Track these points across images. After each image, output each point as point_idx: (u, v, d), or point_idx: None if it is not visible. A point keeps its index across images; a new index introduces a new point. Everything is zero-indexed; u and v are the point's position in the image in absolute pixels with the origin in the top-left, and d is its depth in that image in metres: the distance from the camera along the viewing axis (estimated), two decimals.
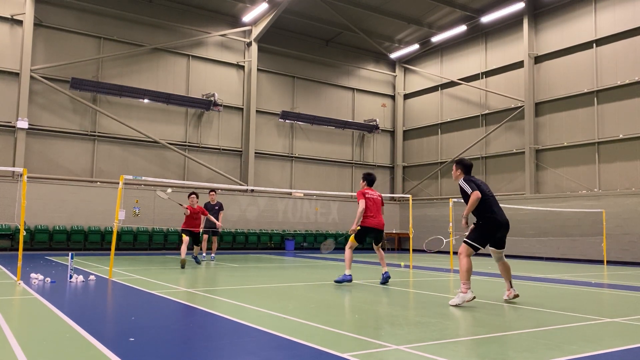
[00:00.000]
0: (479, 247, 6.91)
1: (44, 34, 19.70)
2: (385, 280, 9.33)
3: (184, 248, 12.30)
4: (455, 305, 6.63)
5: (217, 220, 14.12)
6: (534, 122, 22.18)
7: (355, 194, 10.11)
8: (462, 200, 7.13)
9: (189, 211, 12.72)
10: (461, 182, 7.04)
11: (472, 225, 7.06)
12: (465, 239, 6.94)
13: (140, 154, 21.39)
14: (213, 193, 15.28)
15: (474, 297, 6.73)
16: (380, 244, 9.61)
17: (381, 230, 9.47)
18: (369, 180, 9.67)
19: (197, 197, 13.10)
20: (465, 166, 7.25)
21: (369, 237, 9.45)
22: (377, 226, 9.34)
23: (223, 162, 23.31)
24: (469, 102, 25.31)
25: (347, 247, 9.37)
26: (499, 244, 7.11)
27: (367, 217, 9.28)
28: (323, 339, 4.65)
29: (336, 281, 9.14)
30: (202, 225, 13.84)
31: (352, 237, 9.33)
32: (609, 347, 4.55)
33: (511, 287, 7.26)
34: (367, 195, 9.34)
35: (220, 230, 15.33)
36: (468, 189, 6.86)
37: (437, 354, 4.13)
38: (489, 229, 6.93)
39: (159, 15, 21.93)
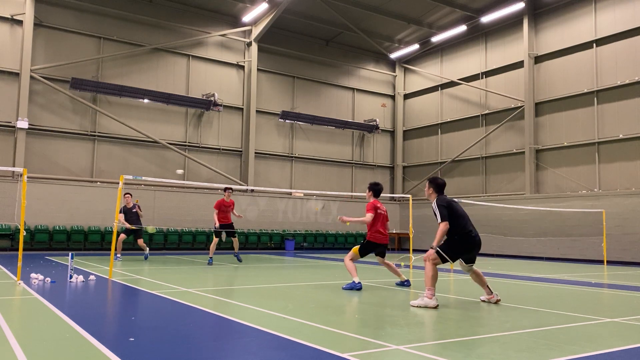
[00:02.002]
0: (448, 259, 6.86)
1: (44, 34, 19.70)
2: (407, 285, 9.12)
3: (212, 248, 13.52)
4: (417, 307, 6.52)
5: (139, 219, 14.82)
6: (534, 122, 22.18)
7: (354, 193, 9.95)
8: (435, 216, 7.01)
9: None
10: (434, 205, 6.97)
11: (445, 238, 6.98)
12: (437, 248, 6.82)
13: (140, 154, 21.39)
14: (128, 196, 15.02)
15: (438, 306, 6.57)
16: (385, 257, 9.24)
17: (387, 244, 9.17)
18: (376, 190, 9.06)
19: (232, 191, 14.05)
20: (437, 185, 7.17)
21: (374, 252, 9.02)
22: (385, 242, 8.99)
23: (223, 162, 23.31)
24: (469, 102, 25.31)
25: (347, 259, 8.79)
26: (471, 261, 7.13)
27: (377, 233, 8.82)
28: (323, 339, 4.65)
29: (344, 288, 8.59)
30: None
31: (355, 250, 8.84)
32: (609, 347, 4.55)
33: (491, 292, 7.19)
34: (378, 211, 8.84)
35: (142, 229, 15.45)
36: (438, 217, 6.85)
37: (437, 354, 4.13)
38: (464, 245, 6.91)
39: (159, 15, 21.93)
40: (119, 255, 14.73)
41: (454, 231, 6.88)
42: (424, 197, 28.10)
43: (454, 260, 6.96)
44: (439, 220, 6.83)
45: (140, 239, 14.98)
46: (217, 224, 13.51)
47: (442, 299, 7.58)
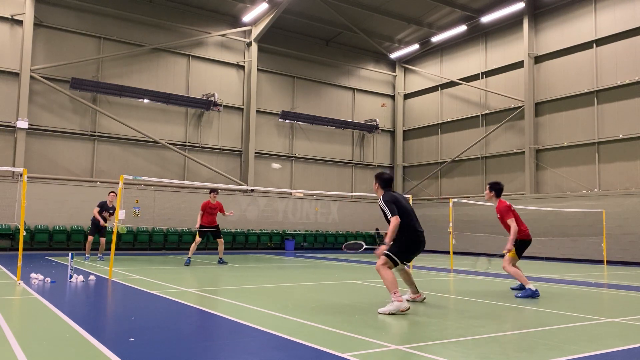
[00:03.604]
0: (399, 262, 6.49)
1: (44, 34, 19.70)
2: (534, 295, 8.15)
3: (193, 248, 13.31)
4: (388, 314, 6.00)
5: (106, 221, 14.14)
6: (534, 122, 22.18)
7: (354, 193, 9.77)
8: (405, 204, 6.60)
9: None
10: (381, 202, 6.61)
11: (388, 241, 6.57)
12: (386, 252, 6.45)
13: (140, 154, 21.39)
14: (113, 194, 14.22)
15: (409, 308, 6.19)
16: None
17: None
18: (498, 190, 8.57)
19: (218, 193, 14.00)
20: (383, 180, 6.82)
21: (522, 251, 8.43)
22: (530, 237, 8.59)
23: (223, 162, 23.31)
24: (469, 102, 25.31)
25: (507, 265, 8.22)
26: (409, 260, 6.85)
27: (523, 230, 8.41)
28: (323, 339, 4.65)
29: (518, 297, 7.92)
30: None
31: (512, 253, 8.26)
32: (609, 347, 4.55)
33: (417, 291, 7.04)
34: (512, 207, 8.41)
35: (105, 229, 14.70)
36: (388, 214, 6.45)
37: (437, 354, 4.13)
38: (412, 245, 6.57)
39: (159, 15, 21.93)
40: (88, 255, 14.17)
41: (403, 230, 6.50)
42: (425, 196, 27.91)
43: (402, 262, 6.57)
44: (390, 216, 6.42)
45: (104, 238, 14.26)
46: (198, 225, 13.43)
47: (442, 299, 7.59)
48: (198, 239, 13.46)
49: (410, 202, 15.20)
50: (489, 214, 22.08)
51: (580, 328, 5.49)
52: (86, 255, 14.27)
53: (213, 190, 13.77)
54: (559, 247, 20.09)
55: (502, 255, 8.32)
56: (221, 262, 13.70)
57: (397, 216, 6.41)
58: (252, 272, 11.81)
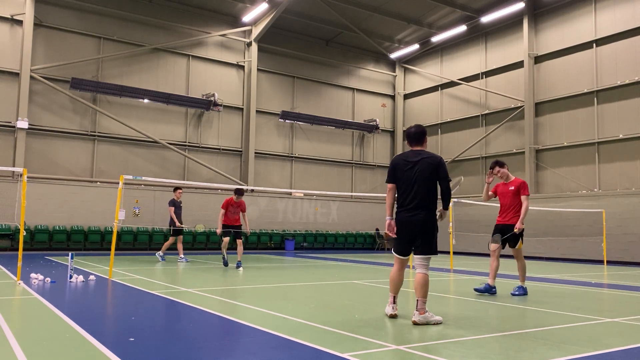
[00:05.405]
0: (397, 254, 5.78)
1: (44, 34, 19.70)
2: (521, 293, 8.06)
3: (223, 250, 12.68)
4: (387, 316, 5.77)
5: (180, 218, 14.24)
6: (534, 122, 22.18)
7: (354, 193, 9.72)
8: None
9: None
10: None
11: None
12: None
13: (140, 154, 21.39)
14: (180, 191, 14.51)
15: (391, 314, 5.72)
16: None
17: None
18: (499, 163, 8.36)
19: (242, 194, 13.09)
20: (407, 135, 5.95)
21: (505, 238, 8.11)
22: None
23: (223, 162, 23.31)
24: (469, 102, 25.31)
25: (496, 257, 8.04)
26: (401, 251, 5.76)
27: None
28: (323, 339, 4.64)
29: (478, 290, 8.00)
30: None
31: (520, 244, 8.13)
32: (609, 347, 4.55)
33: (418, 307, 5.49)
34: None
35: (184, 229, 14.79)
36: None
37: (437, 354, 4.13)
38: (397, 227, 5.65)
39: (159, 15, 21.93)
40: (182, 256, 14.30)
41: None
42: None
43: (398, 253, 5.80)
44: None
45: (181, 236, 14.43)
46: (219, 230, 12.45)
47: (442, 299, 7.59)
48: (225, 239, 12.48)
49: None
50: (489, 214, 22.05)
51: (580, 328, 5.49)
52: (161, 254, 14.46)
53: (238, 190, 12.56)
54: (559, 247, 20.09)
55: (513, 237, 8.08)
56: (238, 264, 12.50)
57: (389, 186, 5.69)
58: (252, 272, 11.80)
